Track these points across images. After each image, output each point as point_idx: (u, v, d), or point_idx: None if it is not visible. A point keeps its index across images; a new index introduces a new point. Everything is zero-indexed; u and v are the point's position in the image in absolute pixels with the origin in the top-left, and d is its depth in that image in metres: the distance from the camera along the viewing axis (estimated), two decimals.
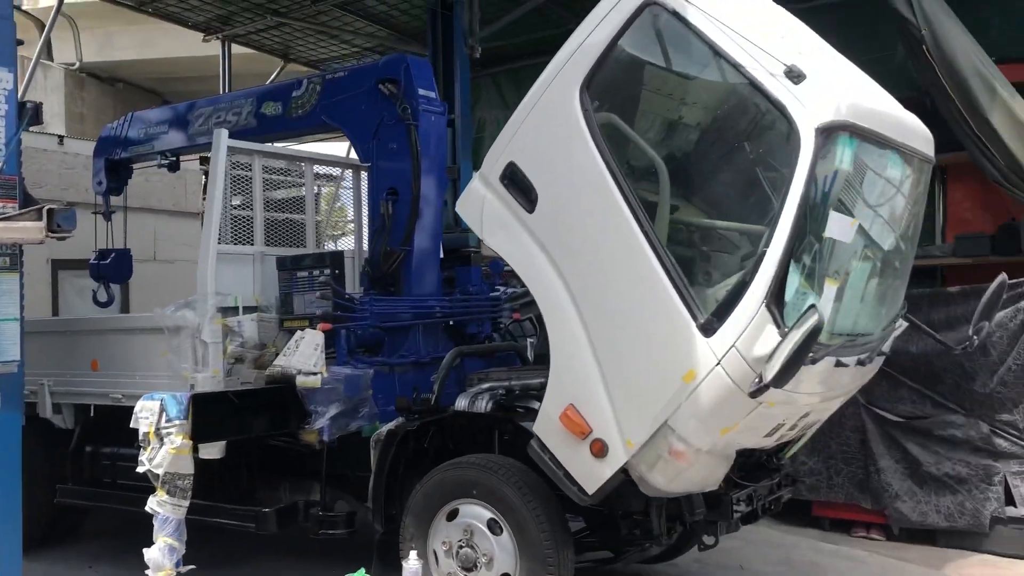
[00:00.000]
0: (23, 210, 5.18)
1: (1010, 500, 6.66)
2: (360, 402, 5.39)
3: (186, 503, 4.46)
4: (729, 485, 4.49)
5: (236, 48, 11.05)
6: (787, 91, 3.73)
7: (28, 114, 5.31)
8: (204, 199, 13.46)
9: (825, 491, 7.30)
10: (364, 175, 6.65)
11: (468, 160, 9.27)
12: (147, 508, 4.48)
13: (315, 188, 6.79)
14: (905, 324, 4.91)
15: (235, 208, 6.18)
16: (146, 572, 4.41)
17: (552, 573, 4.40)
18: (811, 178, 3.67)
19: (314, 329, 5.29)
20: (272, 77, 11.83)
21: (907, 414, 6.96)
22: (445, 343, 6.23)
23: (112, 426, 6.46)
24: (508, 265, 7.35)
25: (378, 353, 5.79)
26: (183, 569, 4.47)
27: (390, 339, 5.89)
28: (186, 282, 12.27)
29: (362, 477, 5.55)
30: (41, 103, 5.41)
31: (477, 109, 11.26)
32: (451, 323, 6.35)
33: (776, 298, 3.70)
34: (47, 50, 19.58)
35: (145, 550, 4.44)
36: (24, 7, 15.08)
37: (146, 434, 4.49)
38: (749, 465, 4.73)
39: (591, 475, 4.16)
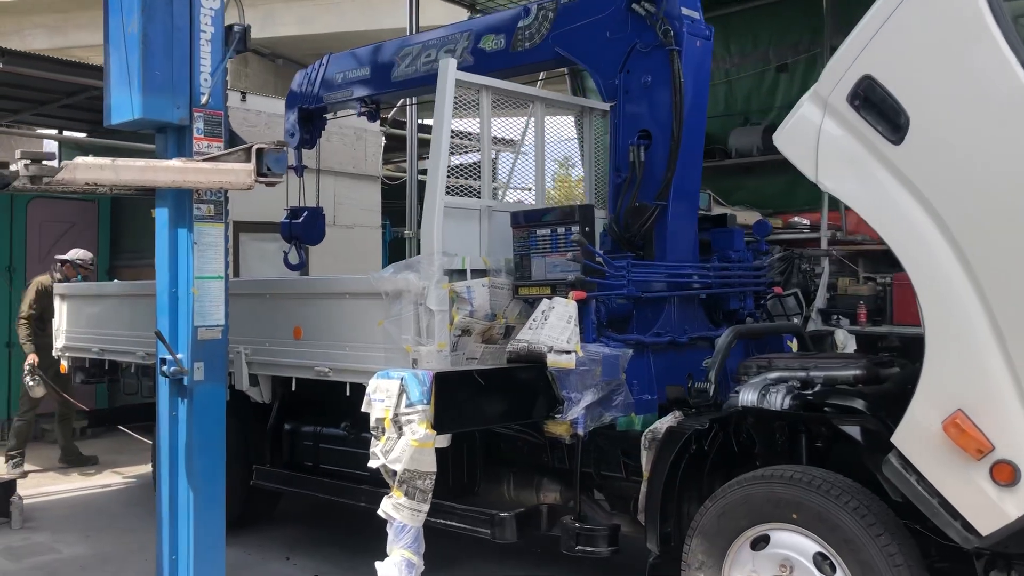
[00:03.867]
0: (229, 150, 4.45)
1: None
2: (615, 388, 4.41)
3: (426, 508, 3.60)
4: None
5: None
6: None
7: (235, 39, 4.58)
8: (385, 165, 12.87)
9: None
10: (592, 119, 5.67)
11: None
12: (381, 512, 3.64)
13: (492, 154, 5.73)
14: None
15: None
16: None
17: None
18: None
19: (564, 298, 4.33)
20: None
21: None
22: (701, 320, 5.17)
23: (315, 402, 5.77)
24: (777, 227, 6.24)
25: (624, 330, 4.79)
26: None
27: (639, 313, 4.86)
28: (366, 249, 11.68)
29: (610, 479, 4.60)
30: (250, 26, 4.65)
31: None
32: (703, 297, 5.28)
33: None
34: None
35: (378, 564, 3.60)
36: None
37: (381, 420, 3.64)
38: None
39: (989, 510, 2.98)
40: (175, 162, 4.29)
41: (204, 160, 4.36)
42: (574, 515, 4.33)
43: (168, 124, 4.39)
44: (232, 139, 4.62)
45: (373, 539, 6.15)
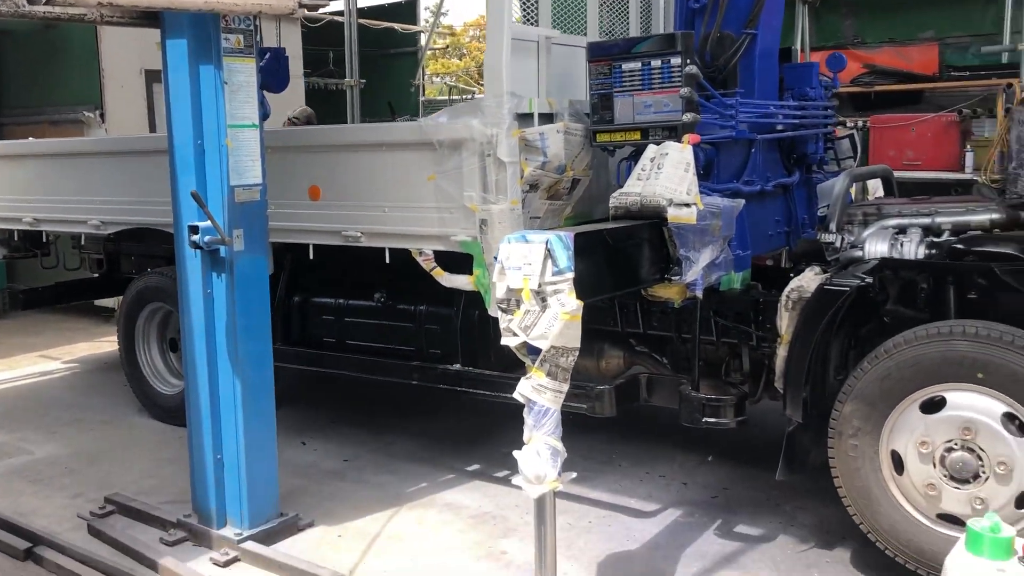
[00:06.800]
0: None
1: None
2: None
3: (566, 387, 3.10)
4: None
5: None
6: None
7: None
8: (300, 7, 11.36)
9: None
10: None
11: None
12: (517, 395, 3.11)
13: None
14: None
15: None
16: (521, 482, 3.09)
17: None
18: None
19: (677, 142, 3.76)
20: None
21: None
22: (779, 165, 4.73)
23: (330, 271, 5.09)
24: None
25: (706, 178, 4.28)
26: (566, 477, 3.16)
27: (723, 159, 4.36)
28: (291, 102, 10.46)
29: (700, 342, 4.21)
30: None
31: None
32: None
33: None
34: None
35: (517, 453, 3.10)
36: None
37: (516, 291, 3.05)
38: None
39: None
40: None
41: None
42: (691, 384, 3.92)
43: None
44: None
45: (394, 417, 5.70)
